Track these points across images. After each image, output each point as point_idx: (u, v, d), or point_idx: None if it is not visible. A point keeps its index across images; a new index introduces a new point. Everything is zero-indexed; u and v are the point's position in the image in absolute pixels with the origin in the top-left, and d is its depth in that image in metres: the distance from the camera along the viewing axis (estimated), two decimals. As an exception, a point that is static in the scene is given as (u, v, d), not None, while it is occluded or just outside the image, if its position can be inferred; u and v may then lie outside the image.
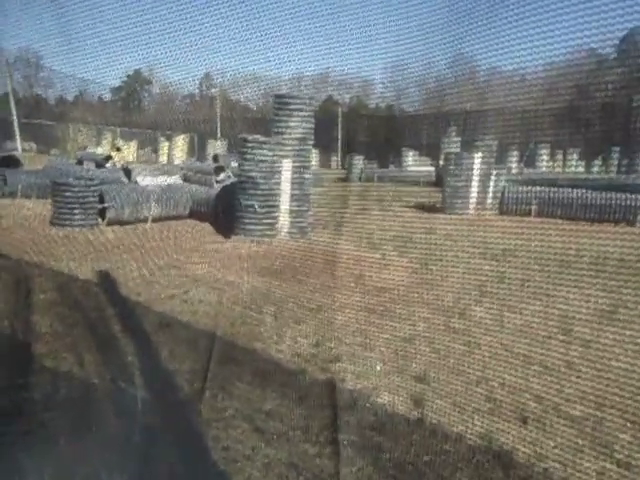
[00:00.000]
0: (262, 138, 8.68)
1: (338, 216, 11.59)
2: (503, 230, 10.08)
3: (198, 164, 19.32)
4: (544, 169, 23.53)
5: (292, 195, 8.82)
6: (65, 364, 4.02)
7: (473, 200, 12.31)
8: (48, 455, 2.64)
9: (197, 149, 29.07)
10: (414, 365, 4.46)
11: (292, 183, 8.75)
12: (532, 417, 3.64)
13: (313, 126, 9.00)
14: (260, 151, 8.49)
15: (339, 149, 30.25)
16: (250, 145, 8.55)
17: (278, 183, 8.64)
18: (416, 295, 6.42)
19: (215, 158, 21.16)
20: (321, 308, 5.77)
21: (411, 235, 9.12)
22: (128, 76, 39.62)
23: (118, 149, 24.03)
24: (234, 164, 17.84)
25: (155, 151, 28.99)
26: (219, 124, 30.09)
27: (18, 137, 26.60)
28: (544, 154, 25.21)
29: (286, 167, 8.60)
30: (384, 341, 4.99)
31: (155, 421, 3.38)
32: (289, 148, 8.68)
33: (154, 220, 10.01)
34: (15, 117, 26.86)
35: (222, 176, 15.09)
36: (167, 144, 27.94)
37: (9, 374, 3.60)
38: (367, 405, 3.77)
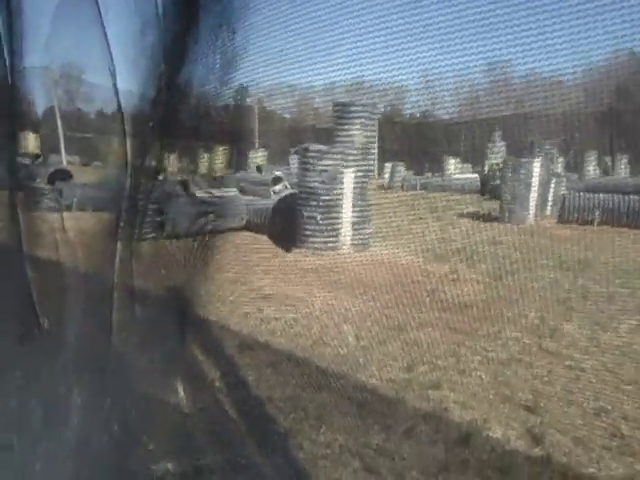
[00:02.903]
0: (324, 148, 8.41)
1: (394, 227, 11.24)
2: (570, 240, 9.60)
3: (254, 175, 19.19)
4: (591, 175, 22.72)
5: (354, 206, 8.53)
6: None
7: (533, 208, 11.80)
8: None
9: (235, 160, 29.06)
10: (519, 393, 4.10)
11: (354, 194, 8.46)
12: (673, 456, 3.24)
13: (376, 134, 8.70)
14: (321, 161, 8.23)
15: (376, 158, 29.77)
16: (311, 155, 8.29)
17: (340, 194, 8.36)
18: (498, 312, 6.04)
19: (259, 168, 21.06)
20: (402, 327, 5.44)
21: (476, 246, 8.71)
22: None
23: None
24: (277, 173, 17.78)
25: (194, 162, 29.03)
26: (257, 134, 30.08)
27: (63, 150, 27.02)
28: (591, 160, 24.34)
29: (348, 177, 8.32)
30: (479, 364, 4.65)
31: (260, 454, 3.11)
32: (351, 158, 8.39)
33: (210, 233, 9.84)
34: (60, 131, 27.28)
35: (279, 187, 14.92)
36: (207, 155, 27.96)
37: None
38: (481, 440, 3.43)
